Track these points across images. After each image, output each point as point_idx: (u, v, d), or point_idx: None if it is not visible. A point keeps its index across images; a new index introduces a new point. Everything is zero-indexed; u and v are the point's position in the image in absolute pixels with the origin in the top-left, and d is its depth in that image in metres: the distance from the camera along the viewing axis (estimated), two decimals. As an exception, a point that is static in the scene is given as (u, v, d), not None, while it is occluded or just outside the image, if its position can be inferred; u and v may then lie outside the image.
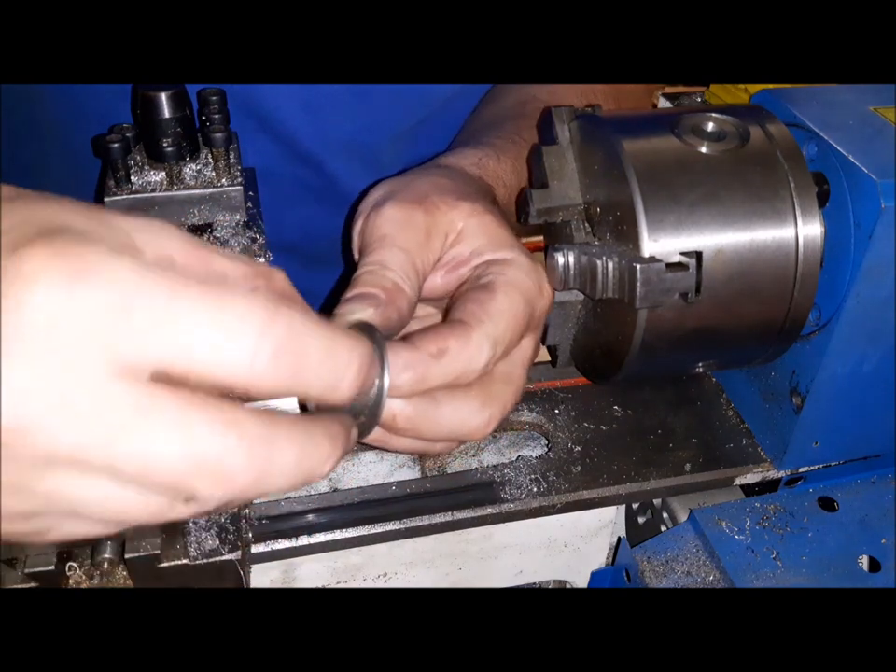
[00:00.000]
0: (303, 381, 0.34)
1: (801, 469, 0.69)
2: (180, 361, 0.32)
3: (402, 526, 0.63)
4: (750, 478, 0.70)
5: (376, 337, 0.46)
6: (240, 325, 0.32)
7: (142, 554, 0.51)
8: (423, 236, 0.55)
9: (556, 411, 0.73)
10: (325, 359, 0.34)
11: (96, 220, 0.34)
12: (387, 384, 0.45)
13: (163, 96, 0.52)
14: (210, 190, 0.53)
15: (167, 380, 0.32)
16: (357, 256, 0.59)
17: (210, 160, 0.54)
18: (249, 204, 0.55)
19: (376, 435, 0.51)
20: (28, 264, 0.30)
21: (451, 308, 0.56)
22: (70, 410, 0.30)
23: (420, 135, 0.91)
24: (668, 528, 0.72)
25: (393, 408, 0.48)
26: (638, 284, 0.52)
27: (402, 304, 0.51)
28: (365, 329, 0.47)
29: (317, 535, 0.62)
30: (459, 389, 0.52)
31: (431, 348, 0.49)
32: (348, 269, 0.70)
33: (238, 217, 0.55)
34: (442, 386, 0.50)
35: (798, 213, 0.56)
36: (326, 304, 0.94)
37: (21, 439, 0.30)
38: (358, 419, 0.46)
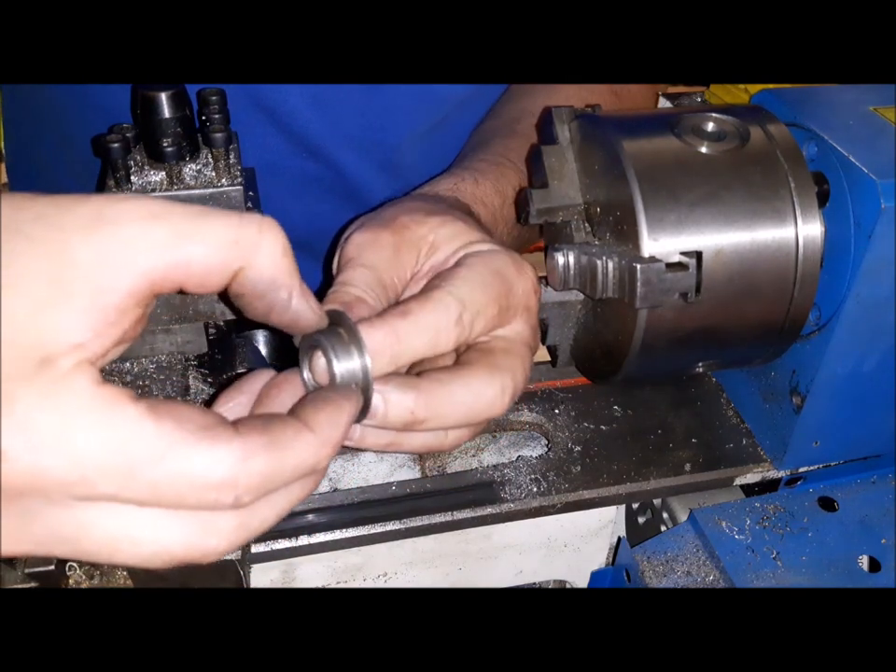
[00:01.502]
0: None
1: (801, 469, 0.69)
2: (151, 500, 0.36)
3: (402, 526, 0.63)
4: (750, 478, 0.70)
5: (346, 321, 0.46)
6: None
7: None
8: (389, 253, 0.56)
9: (556, 411, 0.73)
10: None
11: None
12: (369, 361, 0.45)
13: (163, 96, 0.51)
14: (210, 190, 0.53)
15: None
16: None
17: (210, 160, 0.54)
18: (249, 204, 0.55)
19: (389, 439, 0.50)
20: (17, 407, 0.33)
21: None
22: None
23: (434, 137, 0.91)
24: (668, 528, 0.72)
25: (406, 403, 0.48)
26: (638, 284, 0.52)
27: (363, 312, 0.51)
28: (334, 315, 0.46)
29: (317, 535, 0.62)
30: (462, 366, 0.52)
31: (394, 312, 0.49)
32: None
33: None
34: (422, 351, 0.50)
35: (798, 213, 0.56)
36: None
37: None
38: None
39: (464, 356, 0.54)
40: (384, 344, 0.47)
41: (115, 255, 0.35)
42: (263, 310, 0.41)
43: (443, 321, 0.50)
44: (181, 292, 0.39)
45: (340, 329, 0.45)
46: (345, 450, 0.69)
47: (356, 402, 0.43)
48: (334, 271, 0.60)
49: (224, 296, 0.41)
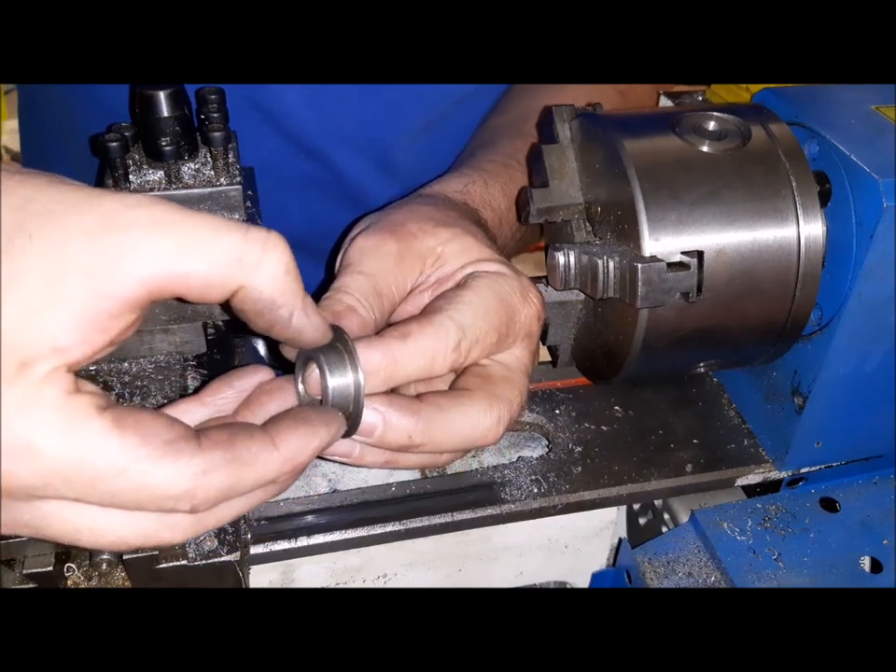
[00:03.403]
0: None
1: (802, 470, 0.69)
2: (113, 503, 0.38)
3: (402, 528, 0.63)
4: (752, 479, 0.69)
5: (343, 337, 0.46)
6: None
7: (140, 555, 0.51)
8: (391, 261, 0.56)
9: (557, 411, 0.73)
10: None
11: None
12: (362, 379, 0.46)
13: (162, 95, 0.51)
14: (209, 189, 0.53)
15: None
16: None
17: (209, 158, 0.54)
18: (248, 203, 0.55)
19: (386, 457, 0.51)
20: None
21: None
22: None
23: (432, 136, 0.91)
24: (670, 529, 0.72)
25: (406, 427, 0.49)
26: (639, 283, 0.52)
27: (352, 323, 0.51)
28: (335, 331, 0.47)
29: (317, 536, 0.61)
30: (462, 393, 0.52)
31: (395, 333, 0.49)
32: None
33: (237, 216, 0.54)
34: (417, 374, 0.50)
35: (800, 212, 0.56)
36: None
37: None
38: (345, 414, 0.46)
39: (463, 378, 0.54)
40: (379, 366, 0.48)
41: (115, 262, 0.35)
42: (264, 326, 0.42)
43: (441, 347, 0.50)
44: (178, 299, 0.39)
45: (337, 345, 0.46)
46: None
47: (335, 428, 0.44)
48: (336, 271, 0.60)
49: (227, 305, 0.41)
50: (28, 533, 0.39)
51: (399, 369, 0.49)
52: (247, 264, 0.38)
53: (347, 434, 0.47)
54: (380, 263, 0.56)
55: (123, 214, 0.36)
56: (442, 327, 0.51)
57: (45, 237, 0.35)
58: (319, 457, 0.48)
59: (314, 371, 0.47)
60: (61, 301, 0.35)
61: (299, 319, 0.42)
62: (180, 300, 0.39)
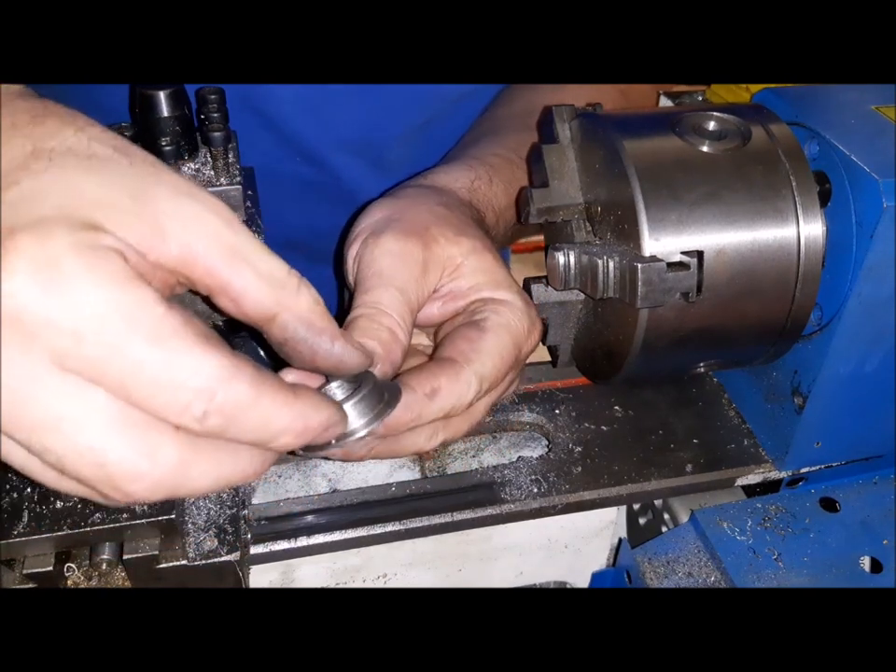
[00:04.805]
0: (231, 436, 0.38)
1: (802, 470, 0.69)
2: (124, 385, 0.35)
3: (402, 527, 0.63)
4: (752, 478, 0.69)
5: (375, 382, 0.48)
6: (183, 380, 0.36)
7: (140, 555, 0.51)
8: (419, 271, 0.56)
9: (557, 411, 0.73)
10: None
11: (126, 203, 0.37)
12: (379, 429, 0.48)
13: (162, 95, 0.51)
14: (209, 189, 0.53)
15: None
16: (350, 280, 0.60)
17: (209, 159, 0.54)
18: (248, 204, 0.55)
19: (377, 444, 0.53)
20: (10, 255, 0.33)
21: (443, 341, 0.57)
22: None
23: (428, 135, 0.91)
24: (669, 529, 0.72)
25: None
26: (639, 283, 0.52)
27: (397, 356, 0.53)
28: (364, 376, 0.48)
29: (317, 536, 0.61)
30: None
31: (426, 388, 0.51)
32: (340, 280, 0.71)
33: (237, 216, 0.54)
34: (435, 419, 0.53)
35: (800, 212, 0.56)
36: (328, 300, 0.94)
37: None
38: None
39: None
40: (404, 424, 0.51)
41: (185, 223, 0.38)
42: (309, 355, 0.42)
43: (464, 399, 0.53)
44: (208, 302, 0.40)
45: (385, 394, 0.48)
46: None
47: (342, 419, 0.44)
48: (350, 262, 0.59)
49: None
50: (3, 407, 0.35)
51: (420, 422, 0.52)
52: (287, 291, 0.40)
53: (338, 439, 0.47)
54: (409, 274, 0.56)
55: (205, 195, 0.39)
56: (468, 383, 0.53)
57: (144, 171, 0.38)
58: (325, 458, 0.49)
59: (339, 387, 0.48)
60: (139, 215, 0.37)
61: (341, 347, 0.43)
62: (208, 302, 0.40)
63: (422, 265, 0.57)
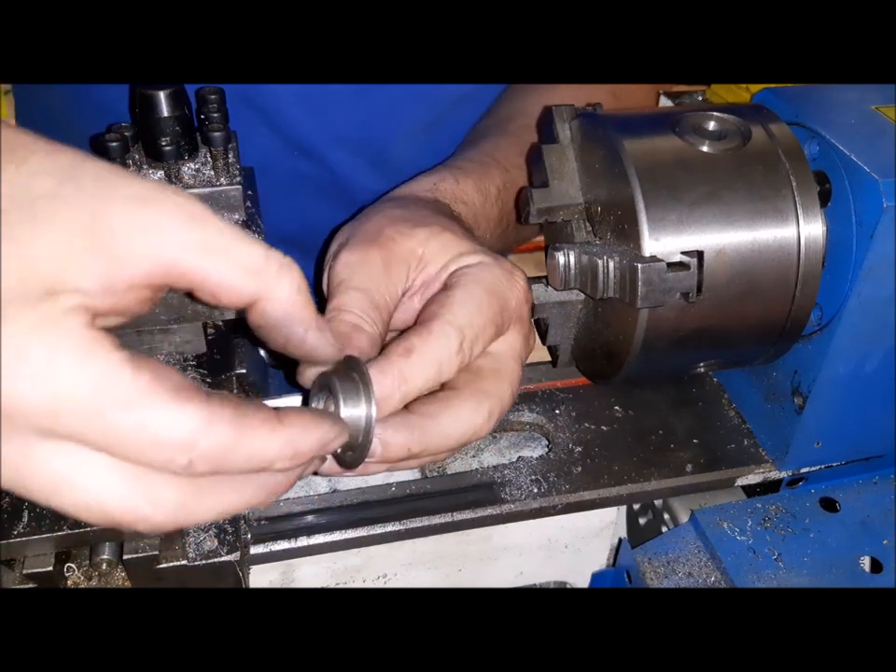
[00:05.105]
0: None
1: (802, 470, 0.69)
2: (109, 447, 0.36)
3: (402, 527, 0.63)
4: (752, 479, 0.69)
5: (359, 367, 0.48)
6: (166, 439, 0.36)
7: (140, 555, 0.51)
8: (380, 271, 0.57)
9: (557, 411, 0.73)
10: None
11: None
12: (374, 411, 0.47)
13: (162, 95, 0.51)
14: (209, 189, 0.53)
15: None
16: None
17: (209, 158, 0.54)
18: (248, 203, 0.55)
19: (386, 467, 0.53)
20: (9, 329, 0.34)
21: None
22: None
23: (430, 136, 0.91)
24: (670, 529, 0.72)
25: (403, 443, 0.50)
26: (639, 283, 0.52)
27: (362, 342, 0.52)
28: (348, 361, 0.48)
29: (317, 536, 0.61)
30: (450, 395, 0.53)
31: (398, 350, 0.51)
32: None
33: (237, 216, 0.54)
34: (428, 385, 0.51)
35: (800, 212, 0.56)
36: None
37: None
38: (354, 442, 0.47)
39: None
40: (391, 388, 0.49)
41: (146, 236, 0.37)
42: (281, 342, 0.43)
43: (445, 353, 0.52)
44: (188, 295, 0.40)
45: (353, 375, 0.47)
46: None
47: (339, 429, 0.44)
48: (325, 290, 0.60)
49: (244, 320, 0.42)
50: (4, 479, 0.37)
51: (410, 386, 0.50)
52: (265, 278, 0.39)
53: (355, 462, 0.48)
54: (369, 276, 0.56)
55: (165, 196, 0.38)
56: (442, 333, 0.52)
57: (92, 194, 0.37)
58: (323, 473, 0.50)
59: (328, 401, 0.48)
60: (91, 251, 0.36)
61: (313, 336, 0.43)
62: (189, 296, 0.40)
63: (381, 265, 0.57)
